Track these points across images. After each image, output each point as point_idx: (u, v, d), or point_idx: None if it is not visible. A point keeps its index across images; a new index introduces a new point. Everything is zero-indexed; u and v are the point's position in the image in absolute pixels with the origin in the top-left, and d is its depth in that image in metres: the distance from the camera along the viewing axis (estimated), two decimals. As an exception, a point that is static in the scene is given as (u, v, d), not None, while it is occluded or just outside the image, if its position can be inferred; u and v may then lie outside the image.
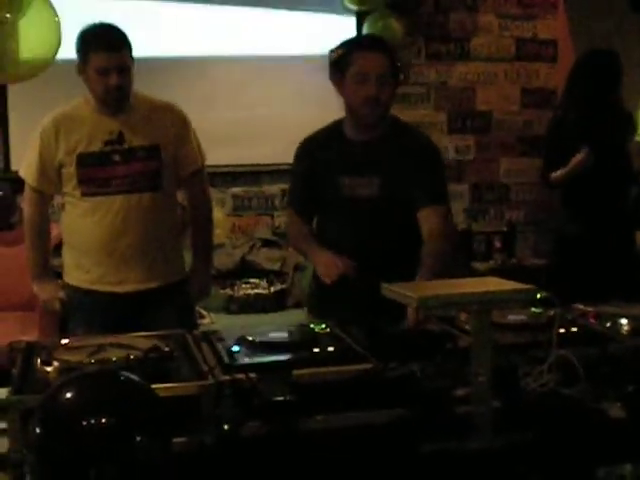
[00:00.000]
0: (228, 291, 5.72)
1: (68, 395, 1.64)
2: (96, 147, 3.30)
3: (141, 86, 3.42)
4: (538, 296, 2.11)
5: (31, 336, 4.00)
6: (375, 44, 3.04)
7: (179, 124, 3.47)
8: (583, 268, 4.34)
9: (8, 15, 3.91)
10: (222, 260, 5.89)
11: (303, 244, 3.16)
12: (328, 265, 2.91)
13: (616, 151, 4.47)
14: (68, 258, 3.47)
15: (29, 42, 4.01)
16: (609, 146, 4.41)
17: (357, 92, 2.95)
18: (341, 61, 2.99)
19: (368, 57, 2.95)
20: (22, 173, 3.45)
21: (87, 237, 3.36)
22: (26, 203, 3.48)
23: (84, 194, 3.33)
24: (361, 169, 3.03)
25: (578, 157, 4.36)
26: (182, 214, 3.71)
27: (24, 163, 3.45)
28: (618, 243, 4.45)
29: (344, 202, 3.05)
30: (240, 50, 6.19)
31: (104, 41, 3.24)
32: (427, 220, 3.02)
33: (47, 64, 4.18)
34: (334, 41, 3.08)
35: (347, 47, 3.02)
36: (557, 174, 4.49)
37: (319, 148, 3.12)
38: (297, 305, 5.53)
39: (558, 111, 4.80)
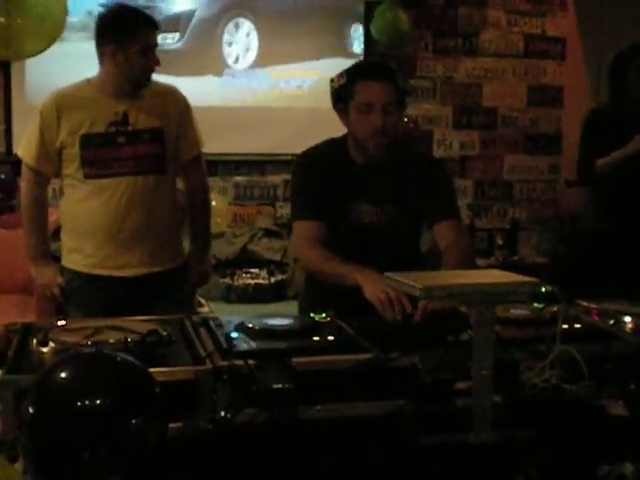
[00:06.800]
0: (228, 280, 5.70)
1: (62, 375, 1.61)
2: (100, 128, 3.28)
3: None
4: (543, 289, 2.08)
5: (29, 320, 3.96)
6: (378, 72, 2.90)
7: (181, 108, 3.46)
8: (610, 266, 4.29)
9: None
10: (222, 249, 5.87)
11: (334, 265, 2.82)
12: (383, 300, 2.54)
13: None
14: (68, 242, 3.43)
15: (34, 18, 3.96)
16: None
17: (362, 123, 2.85)
18: (343, 91, 2.88)
19: (372, 86, 2.83)
20: (20, 153, 3.42)
21: (90, 220, 3.33)
22: (24, 184, 3.44)
23: (87, 176, 3.30)
24: (372, 196, 2.94)
25: (635, 142, 4.26)
26: (183, 200, 3.69)
27: (23, 143, 3.42)
28: None
29: (351, 229, 2.95)
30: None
31: (148, 19, 3.28)
32: (444, 235, 2.95)
33: (52, 41, 4.12)
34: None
35: (349, 76, 2.89)
36: (604, 160, 4.36)
37: (323, 168, 2.98)
38: (297, 296, 5.50)
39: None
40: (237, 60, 6.32)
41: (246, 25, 6.32)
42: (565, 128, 6.84)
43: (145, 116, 3.33)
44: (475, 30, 6.70)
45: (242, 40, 6.32)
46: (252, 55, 6.34)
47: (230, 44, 6.30)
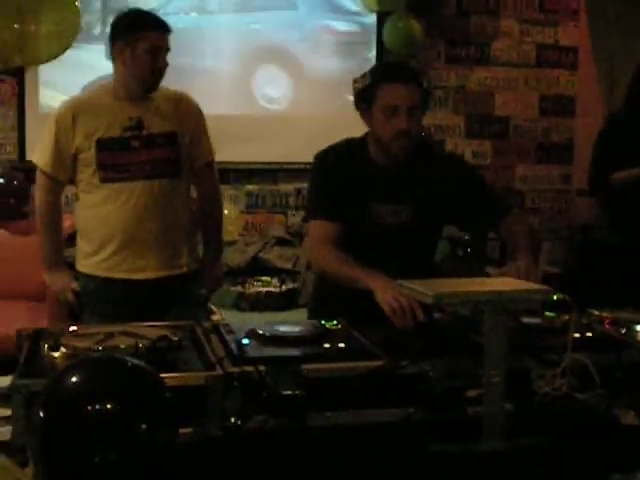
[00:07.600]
0: (239, 288, 5.70)
1: (73, 379, 1.61)
2: (116, 132, 3.30)
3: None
4: (555, 297, 2.08)
5: (41, 326, 3.97)
6: (403, 73, 2.86)
7: (195, 114, 3.49)
8: (625, 277, 4.26)
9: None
10: (234, 257, 5.87)
11: (347, 268, 2.79)
12: (395, 307, 2.50)
13: None
14: (84, 247, 3.44)
15: (48, 24, 3.97)
16: None
17: (387, 125, 2.80)
18: (367, 91, 2.83)
19: (397, 89, 2.79)
20: (35, 159, 3.43)
21: (107, 224, 3.35)
22: (38, 191, 3.46)
23: (103, 180, 3.32)
24: (392, 197, 2.91)
25: None
26: (196, 207, 3.70)
27: (38, 149, 3.44)
28: None
29: (372, 230, 2.92)
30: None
31: (158, 20, 3.29)
32: (508, 228, 3.01)
33: (66, 47, 4.15)
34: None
35: (373, 77, 2.84)
36: (621, 175, 4.31)
37: (341, 168, 2.95)
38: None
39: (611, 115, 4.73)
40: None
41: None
42: (577, 138, 6.83)
43: (159, 120, 3.35)
44: (487, 39, 6.69)
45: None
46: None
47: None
